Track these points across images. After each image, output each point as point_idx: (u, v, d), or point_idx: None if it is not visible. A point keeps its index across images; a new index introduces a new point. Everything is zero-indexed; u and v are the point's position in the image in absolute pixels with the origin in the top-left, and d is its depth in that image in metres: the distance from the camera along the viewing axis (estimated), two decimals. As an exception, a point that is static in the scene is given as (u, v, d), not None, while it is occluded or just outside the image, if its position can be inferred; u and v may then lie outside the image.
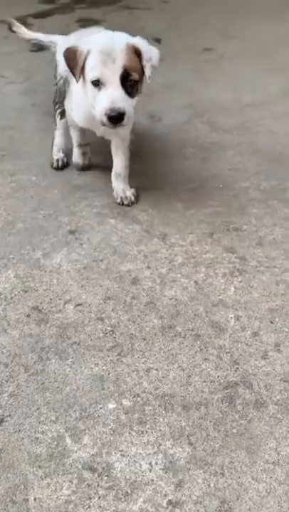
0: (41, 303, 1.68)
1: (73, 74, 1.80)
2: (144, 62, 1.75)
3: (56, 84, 2.29)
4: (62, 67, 2.13)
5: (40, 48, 3.57)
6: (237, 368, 1.47)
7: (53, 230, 1.98)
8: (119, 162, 2.12)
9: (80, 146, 2.26)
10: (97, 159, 2.33)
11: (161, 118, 2.74)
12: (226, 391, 1.41)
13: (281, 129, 2.62)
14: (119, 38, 1.77)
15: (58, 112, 2.34)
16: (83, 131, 2.19)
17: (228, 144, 2.51)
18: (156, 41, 3.65)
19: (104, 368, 1.47)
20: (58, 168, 2.33)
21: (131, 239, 1.94)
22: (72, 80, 1.91)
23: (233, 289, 1.73)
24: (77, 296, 1.70)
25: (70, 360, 1.49)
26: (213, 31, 3.85)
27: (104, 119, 1.71)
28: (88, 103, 1.80)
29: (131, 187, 2.13)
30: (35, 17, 4.25)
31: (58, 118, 2.36)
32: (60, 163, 2.34)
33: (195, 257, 1.86)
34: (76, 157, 2.30)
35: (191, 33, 3.83)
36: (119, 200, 2.10)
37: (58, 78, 2.26)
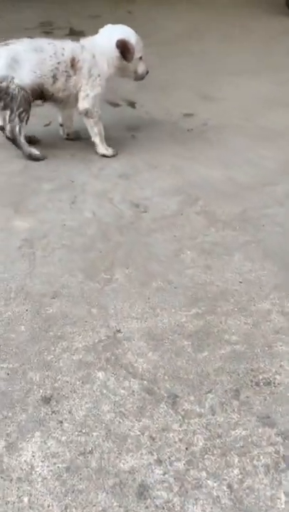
0: None
1: (128, 56, 2.49)
2: None
3: (18, 94, 2.37)
4: (22, 77, 2.36)
5: None
6: None
7: (21, 398, 1.38)
8: None
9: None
10: (71, 276, 1.79)
11: (147, 208, 2.19)
12: None
13: (290, 220, 2.14)
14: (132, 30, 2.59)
15: (24, 120, 2.44)
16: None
17: (233, 243, 1.99)
18: (131, 105, 3.16)
19: None
20: (40, 159, 2.52)
21: (129, 406, 1.37)
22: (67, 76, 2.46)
23: (283, 497, 1.18)
24: (61, 531, 1.12)
25: None
26: (190, 92, 3.38)
27: (145, 74, 2.62)
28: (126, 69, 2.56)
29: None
30: None
31: (23, 125, 2.44)
32: (38, 154, 2.52)
33: (221, 435, 1.30)
34: (110, 149, 2.59)
35: (167, 94, 3.34)
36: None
37: (18, 90, 2.36)
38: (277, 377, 1.44)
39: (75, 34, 4.62)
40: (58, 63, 2.41)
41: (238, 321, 1.62)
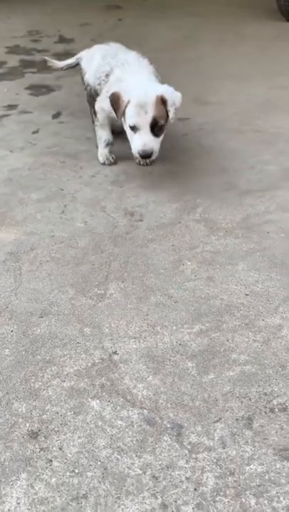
0: None
1: (116, 113, 2.15)
2: (169, 107, 2.11)
3: (85, 89, 2.56)
4: (88, 75, 2.50)
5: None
6: None
7: (5, 434, 1.20)
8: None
9: (107, 145, 2.41)
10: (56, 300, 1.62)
11: (142, 216, 2.03)
12: None
13: (296, 226, 2.00)
14: (150, 91, 2.09)
15: (92, 110, 2.49)
16: (110, 129, 2.41)
17: (236, 252, 1.84)
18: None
19: None
20: (110, 164, 2.41)
21: (127, 440, 1.20)
22: (102, 86, 2.35)
23: None
24: None
25: None
26: (185, 97, 3.13)
27: (138, 155, 2.12)
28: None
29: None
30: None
31: (93, 115, 2.46)
32: (111, 160, 2.41)
33: (233, 472, 1.14)
34: (104, 157, 2.41)
35: (160, 99, 3.23)
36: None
37: (86, 84, 2.54)
38: (294, 401, 1.28)
39: (64, 42, 4.52)
40: (103, 71, 2.38)
41: (246, 338, 1.46)
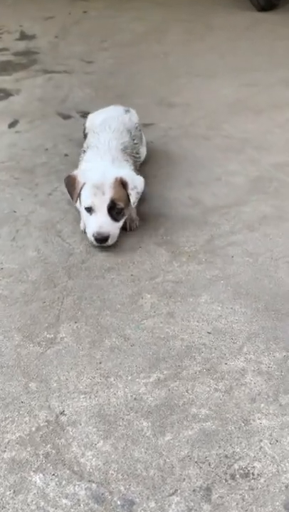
0: None
1: (71, 196, 1.96)
2: (129, 191, 1.91)
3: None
4: (89, 121, 2.43)
5: None
6: None
7: None
8: None
9: None
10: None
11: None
12: None
13: (262, 250, 1.83)
14: (108, 173, 1.92)
15: None
16: None
17: (198, 281, 1.69)
18: (84, 117, 2.84)
19: None
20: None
21: (73, 523, 1.09)
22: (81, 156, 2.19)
23: None
24: None
25: None
26: (150, 98, 3.07)
27: (92, 239, 1.86)
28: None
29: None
30: None
31: None
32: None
33: None
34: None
35: (124, 102, 3.01)
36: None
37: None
38: (257, 465, 1.16)
39: (26, 39, 4.27)
40: (85, 144, 2.26)
41: (207, 387, 1.34)
